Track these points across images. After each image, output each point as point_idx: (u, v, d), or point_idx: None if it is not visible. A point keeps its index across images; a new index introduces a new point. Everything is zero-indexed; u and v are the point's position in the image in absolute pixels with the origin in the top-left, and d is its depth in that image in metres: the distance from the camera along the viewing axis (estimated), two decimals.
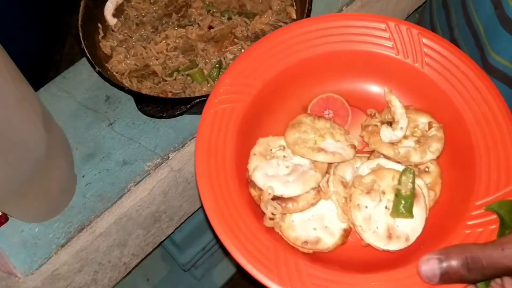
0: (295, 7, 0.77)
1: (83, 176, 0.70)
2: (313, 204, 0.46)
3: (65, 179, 0.67)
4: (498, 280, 0.40)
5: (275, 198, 0.46)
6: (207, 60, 0.72)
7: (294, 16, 0.76)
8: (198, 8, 0.78)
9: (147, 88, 0.72)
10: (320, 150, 0.47)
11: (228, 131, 0.48)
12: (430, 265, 0.38)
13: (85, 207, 0.67)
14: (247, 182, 0.48)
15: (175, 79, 0.72)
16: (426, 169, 0.48)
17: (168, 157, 0.70)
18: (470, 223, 0.42)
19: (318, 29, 0.53)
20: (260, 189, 0.46)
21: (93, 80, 0.77)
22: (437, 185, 0.47)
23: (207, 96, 0.64)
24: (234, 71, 0.51)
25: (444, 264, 0.37)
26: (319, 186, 0.47)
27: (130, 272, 1.26)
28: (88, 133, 0.73)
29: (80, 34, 0.71)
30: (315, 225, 0.46)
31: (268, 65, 0.52)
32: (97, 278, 0.77)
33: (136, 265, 0.84)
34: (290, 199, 0.46)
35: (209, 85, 0.70)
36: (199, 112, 0.73)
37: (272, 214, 0.45)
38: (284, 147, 0.49)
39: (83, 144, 0.72)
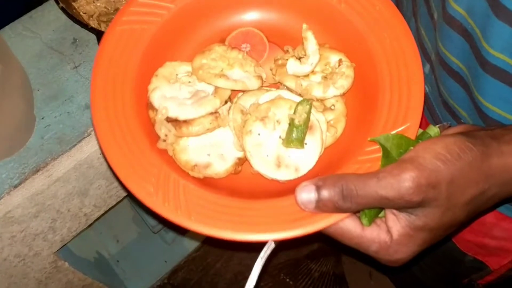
0: None
1: (42, 118, 0.67)
2: (209, 130, 0.45)
3: (22, 118, 0.64)
4: (383, 219, 0.39)
5: (170, 120, 0.45)
6: None
7: None
8: None
9: None
10: (223, 76, 0.46)
11: (134, 51, 0.46)
12: (306, 192, 0.38)
13: (42, 149, 0.65)
14: (147, 104, 0.47)
15: None
16: (332, 107, 0.47)
17: None
18: (360, 158, 0.41)
19: None
20: (157, 111, 0.45)
21: (61, 22, 0.74)
22: (340, 123, 0.46)
23: None
24: None
25: (319, 191, 0.37)
26: (217, 112, 0.46)
27: (100, 233, 1.25)
28: (51, 75, 0.70)
29: None
30: (210, 151, 0.45)
31: None
32: (55, 227, 0.75)
33: (99, 218, 0.82)
34: (185, 122, 0.44)
35: None
36: None
37: (166, 136, 0.44)
38: (191, 74, 0.48)
39: (45, 86, 0.69)
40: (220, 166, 0.45)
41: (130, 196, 0.88)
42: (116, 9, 0.71)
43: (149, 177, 0.41)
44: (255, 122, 0.44)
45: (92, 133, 0.66)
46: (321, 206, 0.37)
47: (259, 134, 0.44)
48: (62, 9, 0.63)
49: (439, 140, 0.36)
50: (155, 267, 1.25)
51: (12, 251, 0.71)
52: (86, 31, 0.71)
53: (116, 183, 0.77)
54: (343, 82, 0.47)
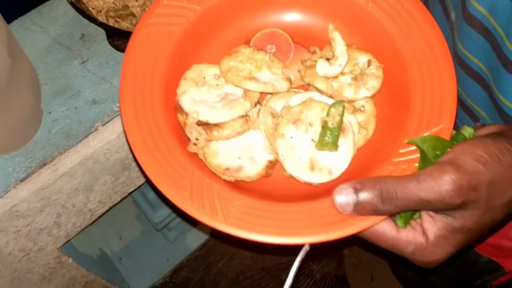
0: None
1: (50, 112, 0.67)
2: (240, 133, 0.45)
3: (30, 112, 0.64)
4: (418, 220, 0.39)
5: (200, 123, 0.44)
6: None
7: None
8: None
9: (123, 28, 0.69)
10: (252, 79, 0.46)
11: (161, 54, 0.46)
12: (344, 194, 0.37)
13: (49, 143, 0.65)
14: (176, 107, 0.46)
15: None
16: (362, 108, 0.47)
17: None
18: (395, 160, 0.41)
19: None
20: (187, 114, 0.45)
21: (69, 17, 0.74)
22: (370, 124, 0.46)
23: None
24: None
25: (358, 194, 0.36)
26: (247, 115, 0.45)
27: (104, 230, 1.25)
28: (59, 70, 0.70)
29: None
30: (241, 154, 0.45)
31: None
32: (60, 222, 0.75)
33: (103, 214, 0.82)
34: (215, 125, 0.44)
35: None
36: None
37: (196, 139, 0.44)
38: (218, 76, 0.48)
39: (53, 80, 0.69)
40: (252, 169, 0.44)
41: (136, 192, 0.88)
42: (125, 5, 0.71)
43: (183, 182, 0.40)
44: (287, 125, 0.44)
45: (100, 128, 0.66)
46: (360, 209, 0.37)
47: (291, 137, 0.43)
48: (71, 3, 0.64)
49: (478, 142, 0.36)
50: (158, 265, 1.25)
51: (17, 245, 0.71)
52: (94, 26, 0.71)
53: (121, 179, 0.77)
54: (374, 83, 0.46)
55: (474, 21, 0.48)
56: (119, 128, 0.68)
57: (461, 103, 0.57)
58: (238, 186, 0.43)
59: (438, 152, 0.39)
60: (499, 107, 0.50)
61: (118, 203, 0.83)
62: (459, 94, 0.57)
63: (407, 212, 0.38)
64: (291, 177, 0.44)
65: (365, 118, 0.46)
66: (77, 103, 0.68)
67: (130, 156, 0.75)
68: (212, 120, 0.44)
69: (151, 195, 1.07)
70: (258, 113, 0.46)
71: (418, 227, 0.38)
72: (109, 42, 0.62)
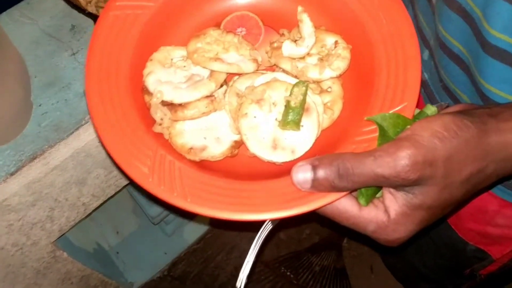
0: None
1: (40, 105, 0.66)
2: (205, 113, 0.45)
3: (19, 105, 0.63)
4: (381, 199, 0.39)
5: (165, 104, 0.45)
6: None
7: None
8: None
9: None
10: (218, 59, 0.46)
11: (127, 37, 0.46)
12: (302, 171, 0.37)
13: (39, 136, 0.64)
14: (143, 89, 0.47)
15: None
16: (329, 89, 0.47)
17: None
18: (358, 138, 0.41)
19: None
20: (152, 95, 0.45)
21: (58, 8, 0.73)
22: (336, 105, 0.46)
23: None
24: None
25: (316, 171, 0.37)
26: (213, 96, 0.45)
27: (100, 224, 1.25)
28: (49, 62, 0.69)
29: None
30: (206, 135, 0.45)
31: None
32: (53, 216, 0.74)
33: (97, 208, 0.81)
34: (180, 105, 0.44)
35: None
36: None
37: (161, 120, 0.44)
38: (186, 58, 0.48)
39: (43, 73, 0.69)
40: (217, 149, 0.44)
41: (131, 184, 0.88)
42: None
43: (144, 159, 0.40)
44: (250, 105, 0.44)
45: (90, 120, 0.65)
46: (317, 186, 0.37)
47: (255, 117, 0.44)
48: None
49: (436, 118, 0.36)
50: (155, 259, 1.25)
51: (10, 240, 0.70)
52: (84, 18, 0.71)
53: (114, 172, 0.77)
54: (340, 63, 0.46)
55: (453, 3, 0.47)
56: None
57: (445, 88, 0.57)
58: (203, 165, 0.44)
59: (398, 130, 0.39)
60: (480, 90, 0.50)
61: (112, 196, 0.82)
62: (443, 79, 0.56)
63: (369, 190, 0.38)
64: (255, 156, 0.44)
65: (332, 99, 0.46)
66: (68, 95, 0.67)
67: None
68: (176, 100, 0.44)
69: None
70: (224, 94, 0.46)
71: (380, 205, 0.38)
72: None
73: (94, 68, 0.44)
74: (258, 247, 0.39)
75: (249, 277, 0.42)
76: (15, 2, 0.74)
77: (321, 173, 0.36)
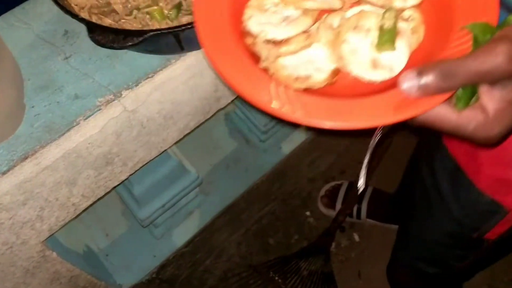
0: None
1: (32, 107, 0.68)
2: (304, 47, 0.50)
3: (12, 106, 0.65)
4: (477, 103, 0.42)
5: (268, 42, 0.49)
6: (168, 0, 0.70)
7: None
8: None
9: (106, 25, 0.71)
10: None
11: None
12: (408, 78, 0.41)
13: (32, 137, 0.66)
14: (243, 34, 0.51)
15: (135, 17, 0.70)
16: (410, 18, 0.51)
17: (121, 94, 0.69)
18: (452, 45, 0.45)
19: None
20: (255, 37, 0.49)
21: (53, 13, 0.75)
22: (420, 29, 0.50)
23: (160, 30, 0.63)
24: None
25: (421, 76, 0.40)
26: (309, 31, 0.50)
27: (90, 226, 1.26)
28: (42, 66, 0.71)
29: None
30: (307, 66, 0.50)
31: None
32: (43, 215, 0.76)
33: (87, 208, 0.83)
34: (282, 42, 0.49)
35: (167, 25, 0.69)
36: (155, 50, 0.72)
37: (266, 57, 0.49)
38: (277, 4, 0.52)
39: (36, 76, 0.71)
40: (319, 76, 0.49)
41: (122, 188, 0.89)
42: (107, 3, 0.73)
43: (265, 89, 0.45)
44: (348, 32, 0.48)
45: (82, 122, 0.68)
46: (424, 88, 0.40)
47: (353, 42, 0.48)
48: (54, 0, 0.65)
49: None
50: (144, 261, 1.26)
51: (0, 238, 0.72)
52: (78, 23, 0.72)
53: (105, 174, 0.79)
54: None
55: None
56: (101, 122, 0.69)
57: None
58: (309, 92, 0.48)
59: (488, 36, 0.42)
60: None
61: (102, 197, 0.84)
62: None
63: (465, 94, 0.42)
64: (355, 81, 0.48)
65: (415, 25, 0.50)
66: (60, 98, 0.69)
67: (113, 151, 0.76)
68: (278, 37, 0.49)
69: (137, 191, 1.08)
70: (317, 28, 0.51)
71: (477, 106, 0.41)
72: (90, 37, 0.63)
73: (201, 21, 0.48)
74: (371, 150, 0.50)
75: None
76: (11, 7, 0.76)
77: (427, 77, 0.40)
